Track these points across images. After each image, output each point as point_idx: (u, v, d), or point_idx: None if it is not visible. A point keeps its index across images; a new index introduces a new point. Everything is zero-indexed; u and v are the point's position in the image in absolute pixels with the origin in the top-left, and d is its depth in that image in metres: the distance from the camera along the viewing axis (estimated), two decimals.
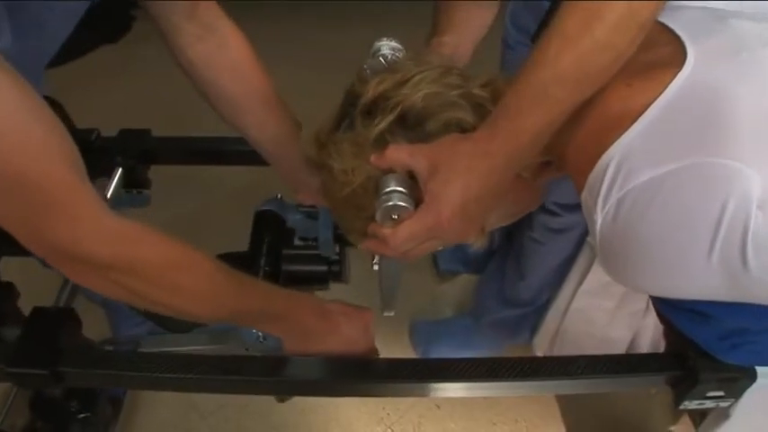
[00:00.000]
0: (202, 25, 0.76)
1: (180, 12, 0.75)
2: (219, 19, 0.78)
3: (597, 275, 1.16)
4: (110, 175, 0.94)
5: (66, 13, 0.62)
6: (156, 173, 1.04)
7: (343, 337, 0.74)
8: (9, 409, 1.19)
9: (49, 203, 0.53)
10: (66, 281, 0.83)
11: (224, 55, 0.78)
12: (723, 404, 0.68)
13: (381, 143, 0.61)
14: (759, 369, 0.64)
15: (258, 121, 0.81)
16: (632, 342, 1.23)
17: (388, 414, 1.38)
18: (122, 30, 2.60)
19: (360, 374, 0.71)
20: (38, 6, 0.57)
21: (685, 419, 1.31)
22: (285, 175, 0.84)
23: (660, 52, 0.57)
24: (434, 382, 0.69)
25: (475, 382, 0.68)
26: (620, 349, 1.22)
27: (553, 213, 1.19)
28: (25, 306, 0.94)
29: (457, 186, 0.57)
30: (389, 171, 0.60)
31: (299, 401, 1.33)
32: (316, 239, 0.84)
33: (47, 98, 0.84)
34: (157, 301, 0.62)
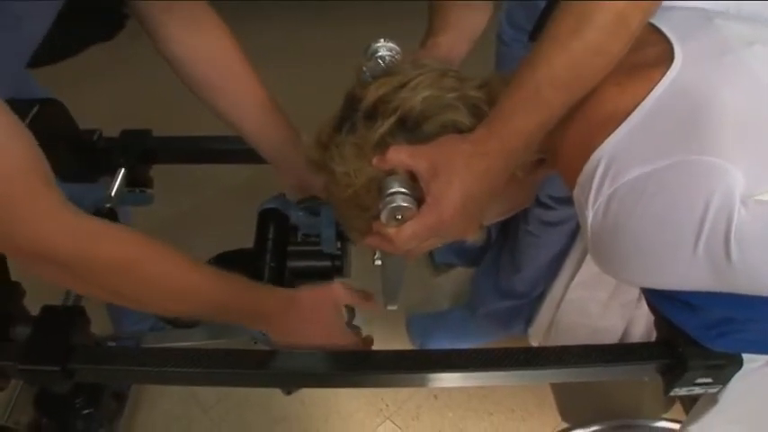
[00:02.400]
0: (184, 19, 0.77)
1: (161, 6, 0.76)
2: (201, 12, 0.79)
3: (590, 267, 1.18)
4: (112, 175, 0.95)
5: (43, 9, 0.63)
6: (156, 171, 1.05)
7: (317, 322, 0.75)
8: (13, 406, 1.21)
9: (8, 204, 0.54)
10: None
11: (206, 48, 0.79)
12: (711, 390, 0.70)
13: (382, 145, 0.62)
14: (745, 356, 0.66)
15: (242, 110, 0.82)
16: (625, 332, 1.25)
17: (387, 405, 1.41)
18: (116, 27, 2.59)
19: (363, 366, 0.73)
20: (15, 5, 0.58)
21: (677, 407, 1.34)
22: (272, 159, 0.85)
23: (649, 53, 0.58)
24: (433, 372, 0.71)
25: (472, 372, 0.70)
26: (613, 339, 1.24)
27: (547, 206, 1.21)
28: (26, 305, 0.95)
29: (457, 187, 0.59)
30: (391, 172, 0.62)
31: (299, 393, 1.35)
32: (318, 236, 0.86)
33: (49, 99, 0.86)
34: (125, 295, 0.63)
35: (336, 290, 0.78)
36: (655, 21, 0.61)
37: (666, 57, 0.56)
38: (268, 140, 0.84)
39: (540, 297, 1.38)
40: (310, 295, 0.76)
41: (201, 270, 0.66)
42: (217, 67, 0.80)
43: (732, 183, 0.50)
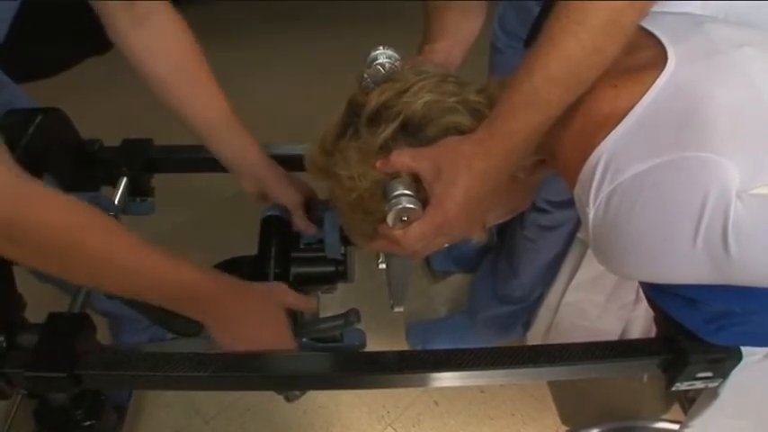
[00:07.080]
0: (138, 12, 0.78)
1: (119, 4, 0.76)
2: (157, 5, 0.79)
3: (587, 270, 1.20)
4: (114, 185, 0.96)
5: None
6: (157, 180, 1.06)
7: (259, 318, 0.73)
8: (12, 420, 1.20)
9: None
10: (79, 289, 0.85)
11: (160, 42, 0.80)
12: (712, 384, 0.71)
13: (386, 149, 0.64)
14: (744, 349, 0.68)
15: (195, 105, 0.83)
16: (623, 333, 1.27)
17: (388, 412, 1.41)
18: (109, 41, 2.60)
19: (366, 367, 0.74)
20: None
21: (675, 408, 1.36)
22: (231, 165, 0.86)
23: (643, 55, 0.60)
24: (437, 371, 0.72)
25: (476, 371, 0.71)
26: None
27: (544, 211, 1.23)
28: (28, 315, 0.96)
29: (460, 186, 0.61)
30: (395, 175, 0.63)
31: (301, 402, 1.35)
32: (320, 242, 0.87)
33: (51, 108, 0.87)
34: (67, 266, 0.62)
35: (280, 289, 0.77)
36: (647, 25, 0.63)
37: (660, 59, 0.58)
38: (228, 145, 0.85)
39: (538, 301, 1.39)
40: (256, 289, 0.75)
41: (145, 246, 0.65)
42: (168, 62, 0.81)
43: (727, 177, 0.52)
